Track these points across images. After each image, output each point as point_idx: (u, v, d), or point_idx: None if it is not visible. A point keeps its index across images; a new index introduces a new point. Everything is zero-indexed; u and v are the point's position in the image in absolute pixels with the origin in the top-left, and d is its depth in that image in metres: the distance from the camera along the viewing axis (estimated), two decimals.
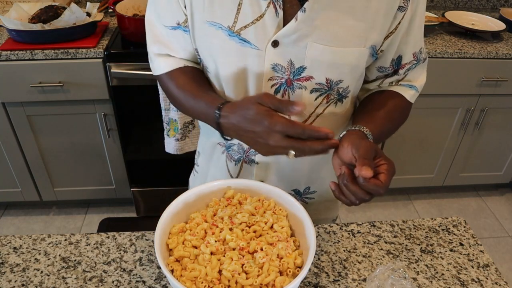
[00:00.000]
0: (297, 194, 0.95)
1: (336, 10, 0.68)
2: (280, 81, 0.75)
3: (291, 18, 0.69)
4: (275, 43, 0.71)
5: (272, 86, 0.76)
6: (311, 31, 0.69)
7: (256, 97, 0.67)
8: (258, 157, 0.86)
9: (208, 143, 0.93)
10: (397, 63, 0.80)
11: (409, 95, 0.83)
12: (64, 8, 1.66)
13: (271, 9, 0.68)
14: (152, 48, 0.82)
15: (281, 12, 0.69)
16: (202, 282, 0.61)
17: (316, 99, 0.78)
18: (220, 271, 0.62)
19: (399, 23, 0.73)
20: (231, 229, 0.68)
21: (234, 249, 0.65)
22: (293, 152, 0.65)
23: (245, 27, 0.70)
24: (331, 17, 0.68)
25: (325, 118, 0.81)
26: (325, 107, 0.80)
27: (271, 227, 0.70)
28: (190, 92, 0.78)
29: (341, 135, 0.72)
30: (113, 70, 1.63)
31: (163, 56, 0.82)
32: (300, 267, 0.65)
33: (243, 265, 0.62)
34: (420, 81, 0.84)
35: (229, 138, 0.79)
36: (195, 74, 0.81)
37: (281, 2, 0.68)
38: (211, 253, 0.65)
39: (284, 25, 0.70)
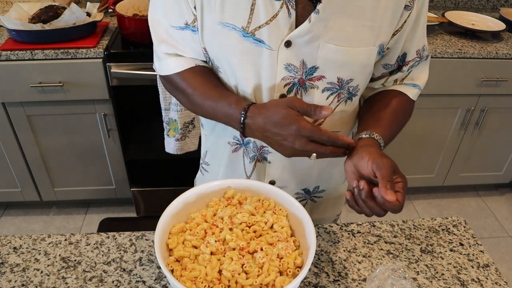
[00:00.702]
0: (306, 193, 0.96)
1: (348, 10, 0.69)
2: (293, 80, 0.76)
3: (302, 19, 0.70)
4: (288, 43, 0.71)
5: (285, 85, 0.76)
6: (324, 32, 0.70)
7: (286, 101, 0.69)
8: (271, 156, 0.86)
9: (216, 143, 0.93)
10: (402, 59, 0.82)
11: (412, 93, 0.85)
12: (64, 8, 1.65)
13: (284, 10, 0.69)
14: (160, 47, 0.80)
15: (293, 13, 0.69)
16: (202, 282, 0.61)
17: (327, 98, 0.79)
18: (220, 271, 0.62)
19: (405, 22, 0.74)
20: (231, 229, 0.68)
21: (234, 249, 0.65)
22: (315, 154, 0.69)
23: (260, 27, 0.70)
24: (343, 17, 0.69)
25: (336, 115, 0.83)
26: (336, 105, 0.81)
27: (271, 227, 0.70)
28: (208, 93, 0.77)
29: (354, 138, 0.74)
30: (113, 70, 1.63)
31: (173, 55, 0.80)
32: (300, 267, 0.65)
33: (243, 265, 0.62)
34: (422, 78, 0.86)
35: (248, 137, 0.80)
36: (208, 74, 0.81)
37: (294, 3, 0.69)
38: (211, 253, 0.65)
39: (295, 26, 0.70)
